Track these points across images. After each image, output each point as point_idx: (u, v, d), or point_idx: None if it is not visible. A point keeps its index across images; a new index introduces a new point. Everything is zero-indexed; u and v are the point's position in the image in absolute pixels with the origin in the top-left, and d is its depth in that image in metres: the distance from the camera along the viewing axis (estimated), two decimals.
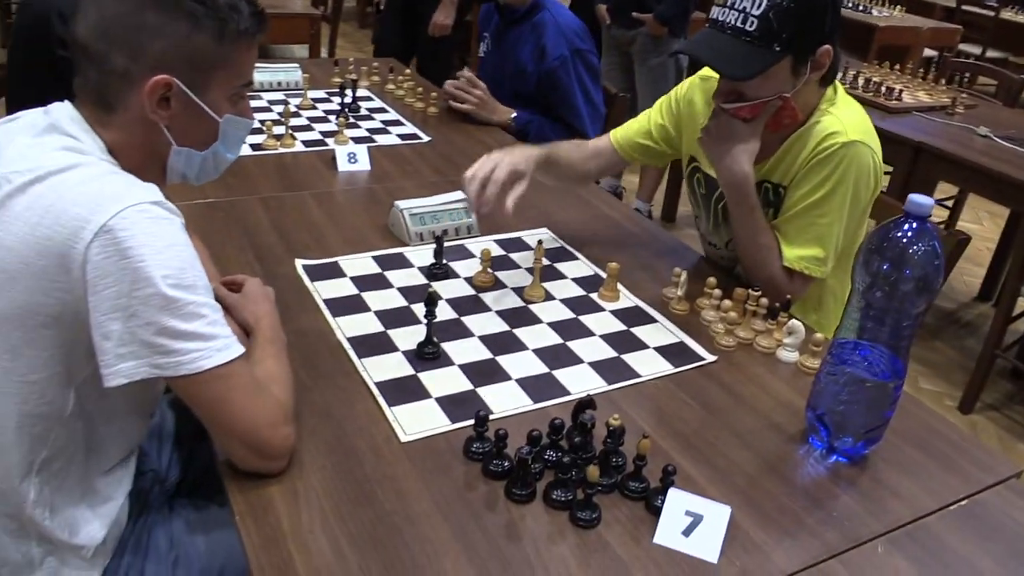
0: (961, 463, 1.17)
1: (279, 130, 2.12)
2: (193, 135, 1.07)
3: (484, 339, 1.33)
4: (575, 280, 1.56)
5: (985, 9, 6.67)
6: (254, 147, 2.06)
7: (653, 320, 1.45)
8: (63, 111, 1.01)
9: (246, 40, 1.05)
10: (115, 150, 1.02)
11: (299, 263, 1.51)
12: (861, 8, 5.80)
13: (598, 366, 1.30)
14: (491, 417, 1.14)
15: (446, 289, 1.48)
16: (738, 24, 1.37)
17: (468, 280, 1.52)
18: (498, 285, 1.52)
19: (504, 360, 1.29)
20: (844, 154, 1.43)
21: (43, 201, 0.91)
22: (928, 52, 5.89)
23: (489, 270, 1.52)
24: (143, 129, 1.03)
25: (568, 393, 1.22)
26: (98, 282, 0.90)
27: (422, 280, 1.51)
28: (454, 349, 1.30)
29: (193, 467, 1.37)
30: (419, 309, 1.40)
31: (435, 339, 1.29)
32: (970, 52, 6.34)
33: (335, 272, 1.50)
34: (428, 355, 1.27)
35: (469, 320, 1.39)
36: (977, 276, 3.80)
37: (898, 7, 6.09)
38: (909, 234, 1.05)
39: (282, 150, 2.07)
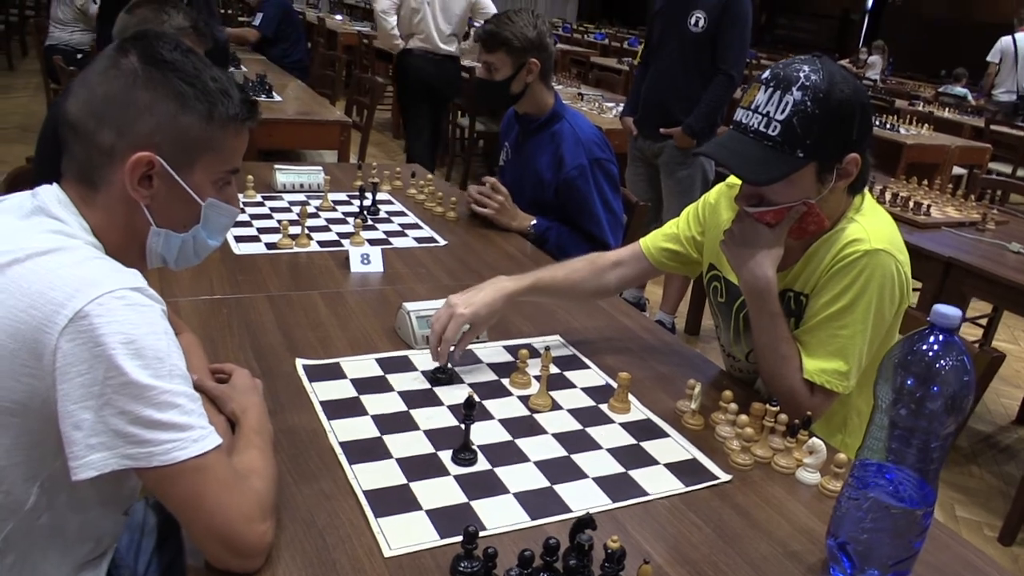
0: None
1: (295, 230, 2.13)
2: (173, 216, 1.06)
3: (484, 448, 1.27)
4: (584, 389, 1.50)
5: (1015, 129, 6.71)
6: (269, 246, 2.07)
7: (665, 434, 1.38)
8: (50, 193, 1.01)
9: (235, 126, 1.05)
10: (98, 231, 1.01)
11: (299, 362, 1.48)
12: (889, 127, 5.87)
13: (603, 482, 1.23)
14: (483, 533, 1.07)
15: (447, 395, 1.43)
16: (761, 128, 1.35)
17: (471, 386, 1.47)
18: (503, 392, 1.46)
19: (503, 472, 1.22)
20: (867, 263, 1.38)
21: (21, 283, 0.90)
22: (957, 171, 5.90)
23: (527, 371, 1.49)
24: (125, 209, 1.02)
25: (569, 510, 1.15)
26: (69, 369, 0.87)
27: (425, 385, 1.46)
28: (451, 458, 1.24)
29: (174, 573, 1.31)
30: (419, 415, 1.36)
31: (473, 445, 1.25)
32: (1001, 171, 6.35)
33: (335, 373, 1.46)
34: (464, 460, 1.23)
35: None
36: (1015, 399, 3.66)
37: (926, 126, 6.15)
38: (936, 347, 0.99)
39: (296, 249, 2.07)
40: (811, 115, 1.31)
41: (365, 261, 2.00)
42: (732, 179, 1.62)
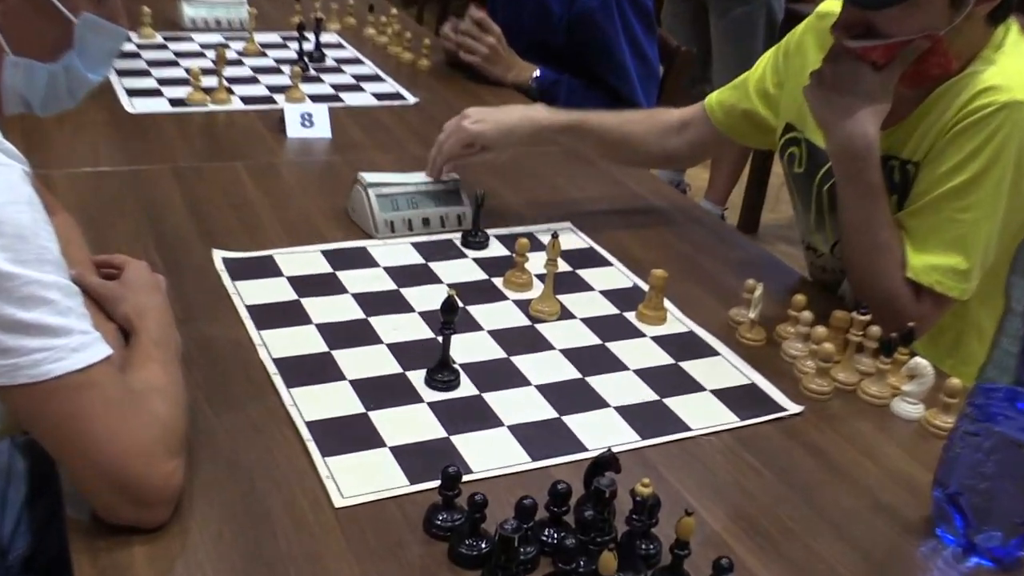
0: None
1: (210, 81, 2.12)
2: (34, 39, 1.04)
3: (468, 368, 1.28)
4: (604, 293, 1.52)
5: None
6: (174, 102, 2.07)
7: (714, 352, 1.39)
8: None
9: None
10: None
11: (218, 255, 1.48)
12: None
13: (629, 412, 1.24)
14: (468, 477, 1.07)
15: (419, 298, 1.43)
16: None
17: (452, 286, 1.45)
18: (495, 295, 1.47)
19: (494, 399, 1.23)
20: (1004, 119, 1.35)
21: None
22: None
23: (528, 268, 1.50)
24: None
25: (584, 448, 1.16)
26: None
27: (390, 285, 1.47)
28: (422, 380, 1.25)
29: (49, 538, 1.32)
30: (380, 323, 1.37)
31: (454, 363, 1.26)
32: None
33: (267, 269, 1.47)
34: (442, 384, 1.25)
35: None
36: None
37: None
38: None
39: (213, 107, 2.08)
40: None
41: (306, 123, 2.01)
42: (826, 5, 1.58)
